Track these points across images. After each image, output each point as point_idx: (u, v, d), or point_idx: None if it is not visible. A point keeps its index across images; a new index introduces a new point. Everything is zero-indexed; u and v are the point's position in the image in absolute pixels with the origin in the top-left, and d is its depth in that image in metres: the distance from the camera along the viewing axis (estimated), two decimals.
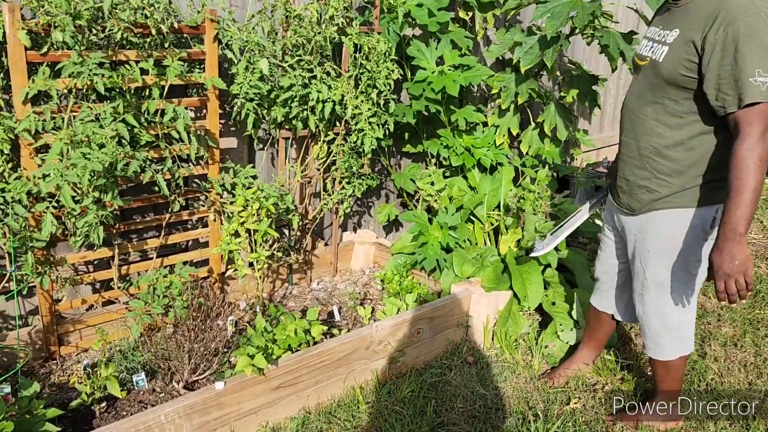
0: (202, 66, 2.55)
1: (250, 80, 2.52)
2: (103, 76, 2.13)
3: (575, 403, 2.45)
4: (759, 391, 2.53)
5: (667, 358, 2.19)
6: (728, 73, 1.70)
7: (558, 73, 3.73)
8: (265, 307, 2.78)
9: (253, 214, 2.52)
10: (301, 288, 3.15)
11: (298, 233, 3.12)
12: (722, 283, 1.75)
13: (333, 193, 3.05)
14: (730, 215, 1.70)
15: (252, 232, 2.59)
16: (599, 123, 5.18)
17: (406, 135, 3.45)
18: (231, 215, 2.61)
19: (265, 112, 2.73)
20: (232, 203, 2.61)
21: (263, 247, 2.63)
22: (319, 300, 3.05)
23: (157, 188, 2.38)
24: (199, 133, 2.55)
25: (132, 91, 2.30)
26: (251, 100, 2.61)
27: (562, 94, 3.87)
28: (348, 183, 3.06)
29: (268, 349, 2.19)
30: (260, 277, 2.70)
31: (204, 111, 2.60)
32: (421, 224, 3.09)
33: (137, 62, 2.28)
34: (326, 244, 3.37)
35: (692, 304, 2.11)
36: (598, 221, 3.44)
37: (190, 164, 2.64)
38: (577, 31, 3.32)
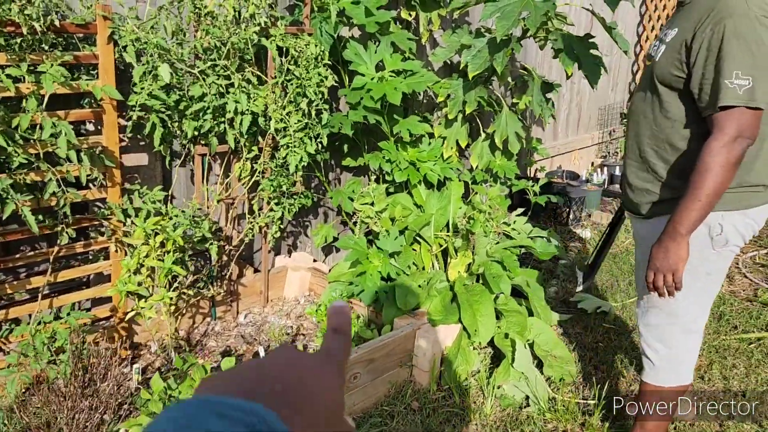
0: (96, 71, 2.17)
1: (152, 89, 2.14)
2: None
3: None
4: None
5: (660, 384, 1.94)
6: (710, 73, 1.64)
7: (509, 79, 3.46)
8: (180, 349, 2.40)
9: (157, 248, 2.14)
10: (225, 322, 2.77)
11: (224, 259, 2.74)
12: (651, 274, 1.75)
13: (260, 215, 2.69)
14: (677, 212, 1.68)
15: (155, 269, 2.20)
16: (552, 130, 4.96)
17: (346, 147, 3.10)
18: (134, 247, 2.22)
19: (176, 125, 2.35)
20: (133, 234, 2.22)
21: (168, 288, 2.24)
22: (244, 337, 2.68)
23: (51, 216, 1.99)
24: (93, 150, 2.16)
25: None
26: (157, 111, 2.23)
27: (514, 101, 3.60)
28: (277, 204, 2.69)
29: None
30: (170, 318, 2.31)
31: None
32: (358, 251, 2.74)
33: (4, 68, 1.88)
34: (256, 271, 2.99)
35: (698, 326, 1.89)
36: (554, 241, 3.18)
37: (90, 186, 2.25)
38: (530, 33, 3.05)
